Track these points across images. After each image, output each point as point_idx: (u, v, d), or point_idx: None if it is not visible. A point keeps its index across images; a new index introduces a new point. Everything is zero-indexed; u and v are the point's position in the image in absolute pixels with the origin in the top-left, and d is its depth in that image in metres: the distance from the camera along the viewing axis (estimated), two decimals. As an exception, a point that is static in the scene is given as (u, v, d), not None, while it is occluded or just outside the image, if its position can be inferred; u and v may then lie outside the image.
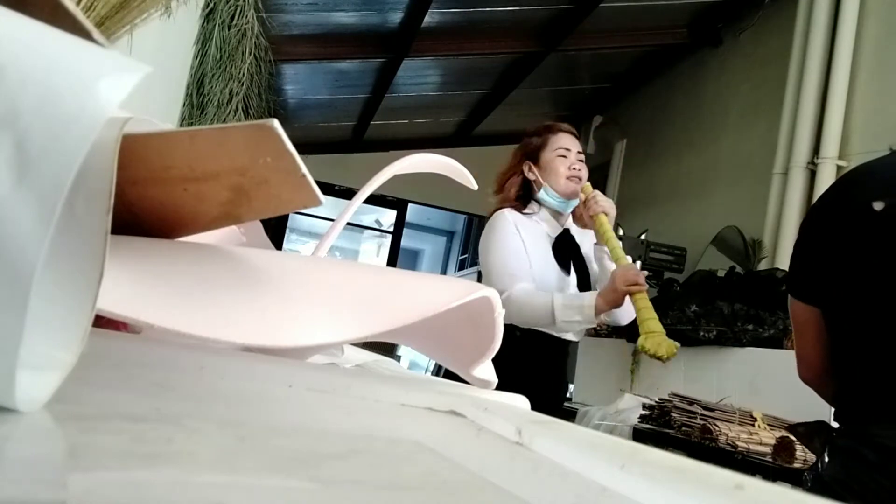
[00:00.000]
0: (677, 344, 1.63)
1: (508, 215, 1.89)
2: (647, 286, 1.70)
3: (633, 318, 1.78)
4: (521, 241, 1.85)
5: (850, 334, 1.21)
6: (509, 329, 1.75)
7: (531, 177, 1.92)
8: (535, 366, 1.81)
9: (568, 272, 1.89)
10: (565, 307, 1.72)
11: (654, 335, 1.61)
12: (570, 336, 1.88)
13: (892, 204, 1.14)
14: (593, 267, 1.92)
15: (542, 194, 1.91)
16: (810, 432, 1.35)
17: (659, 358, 1.62)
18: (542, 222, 1.92)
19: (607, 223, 1.80)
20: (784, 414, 2.21)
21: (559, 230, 1.93)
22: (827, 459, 1.22)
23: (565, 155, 1.90)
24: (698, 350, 2.84)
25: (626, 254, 1.83)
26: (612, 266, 1.79)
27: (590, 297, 1.73)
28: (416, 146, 5.56)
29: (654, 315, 1.65)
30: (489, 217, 1.96)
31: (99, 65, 0.22)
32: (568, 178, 1.88)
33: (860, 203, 1.17)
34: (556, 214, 1.94)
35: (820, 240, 1.24)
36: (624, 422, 2.58)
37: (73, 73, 0.21)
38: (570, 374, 3.37)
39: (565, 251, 1.91)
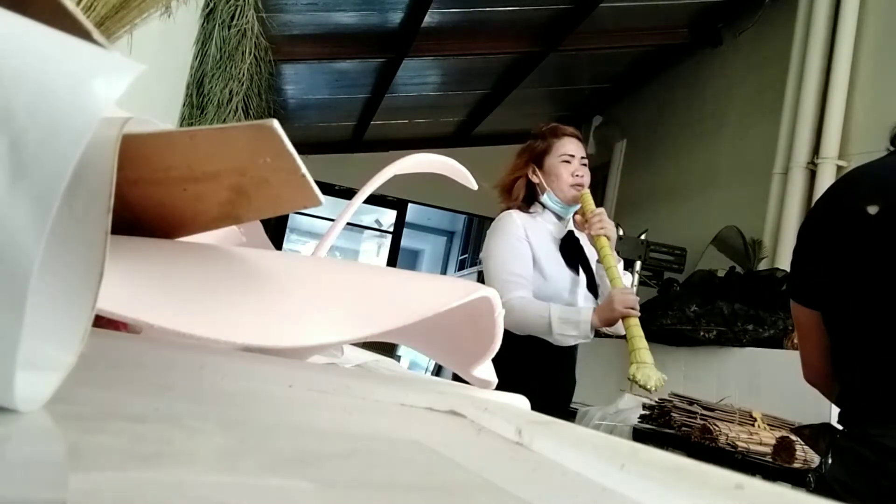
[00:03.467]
0: (664, 377, 1.68)
1: (516, 217, 1.91)
2: (640, 313, 1.77)
3: None
4: (528, 244, 1.87)
5: (849, 337, 1.22)
6: (508, 333, 1.75)
7: (535, 180, 1.95)
8: (539, 368, 1.84)
9: (577, 272, 1.93)
10: (562, 321, 1.77)
11: (645, 366, 1.66)
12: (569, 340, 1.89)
13: (885, 207, 1.15)
14: (595, 267, 1.97)
15: (545, 198, 1.94)
16: (815, 434, 1.35)
17: (647, 389, 1.68)
18: (547, 224, 1.96)
19: (608, 246, 1.84)
20: (784, 414, 2.21)
21: (564, 232, 1.96)
22: (830, 461, 1.22)
23: (569, 161, 1.93)
24: (698, 350, 2.84)
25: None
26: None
27: (586, 313, 1.78)
28: (416, 146, 5.56)
29: (646, 344, 1.70)
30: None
31: (93, 63, 0.22)
32: (571, 185, 1.92)
33: (855, 207, 1.18)
34: (559, 217, 1.98)
35: (817, 244, 1.25)
36: (624, 422, 2.57)
37: (67, 73, 0.21)
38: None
39: (572, 252, 1.95)
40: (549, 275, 1.87)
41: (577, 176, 1.92)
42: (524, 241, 1.87)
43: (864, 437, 1.15)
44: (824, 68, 3.25)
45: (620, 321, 1.77)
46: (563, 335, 1.79)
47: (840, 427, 1.25)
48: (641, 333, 1.72)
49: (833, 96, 3.17)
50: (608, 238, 1.85)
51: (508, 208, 1.96)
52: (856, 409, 1.20)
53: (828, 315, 1.25)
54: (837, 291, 1.21)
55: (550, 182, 1.93)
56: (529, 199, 1.97)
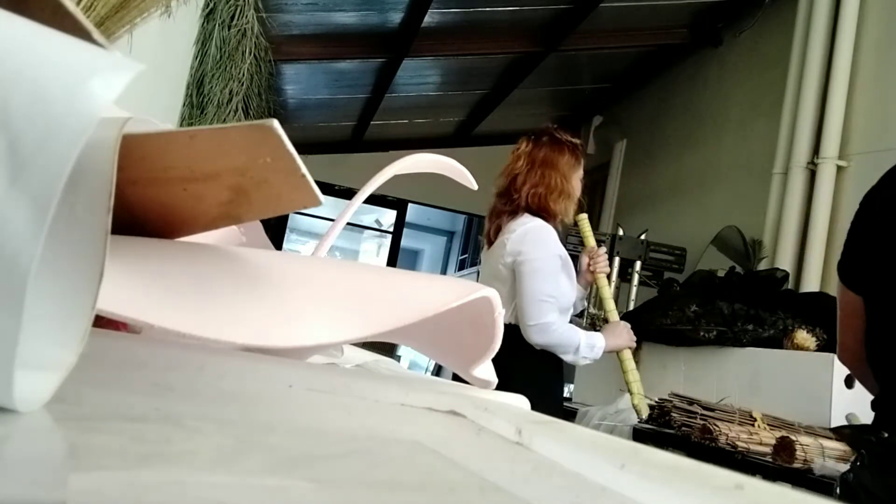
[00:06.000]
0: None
1: (552, 230, 1.94)
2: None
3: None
4: (560, 258, 1.92)
5: (889, 329, 1.18)
6: (527, 346, 1.90)
7: (566, 192, 1.96)
8: (548, 369, 1.98)
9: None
10: (587, 346, 1.93)
11: (643, 398, 2.08)
12: None
13: None
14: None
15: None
16: (854, 436, 1.32)
17: (642, 417, 2.08)
18: None
19: (607, 283, 2.08)
20: (784, 414, 2.21)
21: None
22: (859, 464, 1.20)
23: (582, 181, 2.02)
24: (698, 350, 2.83)
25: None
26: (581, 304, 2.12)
27: (600, 339, 1.96)
28: (416, 146, 5.55)
29: (638, 375, 2.06)
30: (530, 222, 1.94)
31: (90, 63, 0.22)
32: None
33: None
34: None
35: (868, 229, 1.21)
36: (624, 422, 2.57)
37: (64, 73, 0.21)
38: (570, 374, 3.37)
39: None
40: (574, 281, 1.95)
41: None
42: (559, 257, 1.91)
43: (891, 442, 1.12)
44: (824, 68, 3.25)
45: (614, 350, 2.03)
46: (585, 357, 1.93)
47: (882, 432, 1.22)
48: (634, 366, 2.05)
49: (833, 96, 3.16)
50: (607, 275, 2.07)
51: (540, 216, 1.94)
52: (889, 412, 1.17)
53: (869, 302, 1.22)
54: (882, 279, 1.18)
55: (567, 199, 1.97)
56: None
